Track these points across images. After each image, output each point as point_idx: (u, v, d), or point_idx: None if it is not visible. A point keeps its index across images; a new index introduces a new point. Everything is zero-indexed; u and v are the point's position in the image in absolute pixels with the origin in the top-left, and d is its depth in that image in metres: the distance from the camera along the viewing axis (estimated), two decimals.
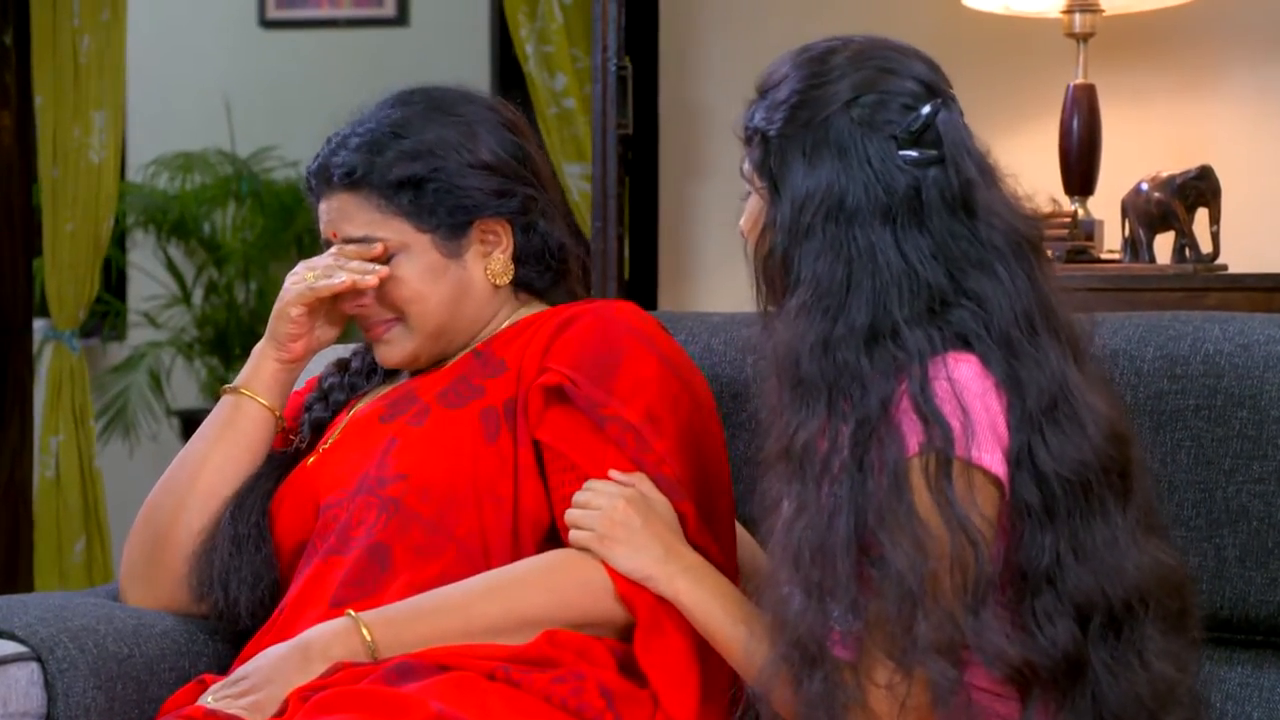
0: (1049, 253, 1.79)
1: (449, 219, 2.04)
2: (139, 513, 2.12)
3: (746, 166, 1.80)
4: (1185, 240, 2.94)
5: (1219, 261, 2.97)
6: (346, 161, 2.04)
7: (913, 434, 1.65)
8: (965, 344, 1.69)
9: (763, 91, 1.79)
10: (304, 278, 2.06)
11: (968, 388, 1.67)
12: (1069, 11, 3.08)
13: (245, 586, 2.02)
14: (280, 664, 1.86)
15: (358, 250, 2.04)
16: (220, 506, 2.06)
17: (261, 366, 2.09)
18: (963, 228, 1.72)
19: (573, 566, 1.89)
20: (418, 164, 2.03)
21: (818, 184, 1.72)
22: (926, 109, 1.74)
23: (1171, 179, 2.93)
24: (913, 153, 1.73)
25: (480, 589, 1.90)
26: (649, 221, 3.75)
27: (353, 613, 1.88)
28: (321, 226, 2.08)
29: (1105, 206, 3.08)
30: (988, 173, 1.76)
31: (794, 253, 1.72)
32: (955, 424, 1.65)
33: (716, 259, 3.71)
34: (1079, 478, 1.69)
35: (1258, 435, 1.98)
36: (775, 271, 1.75)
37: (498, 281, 2.07)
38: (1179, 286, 2.89)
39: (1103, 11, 3.09)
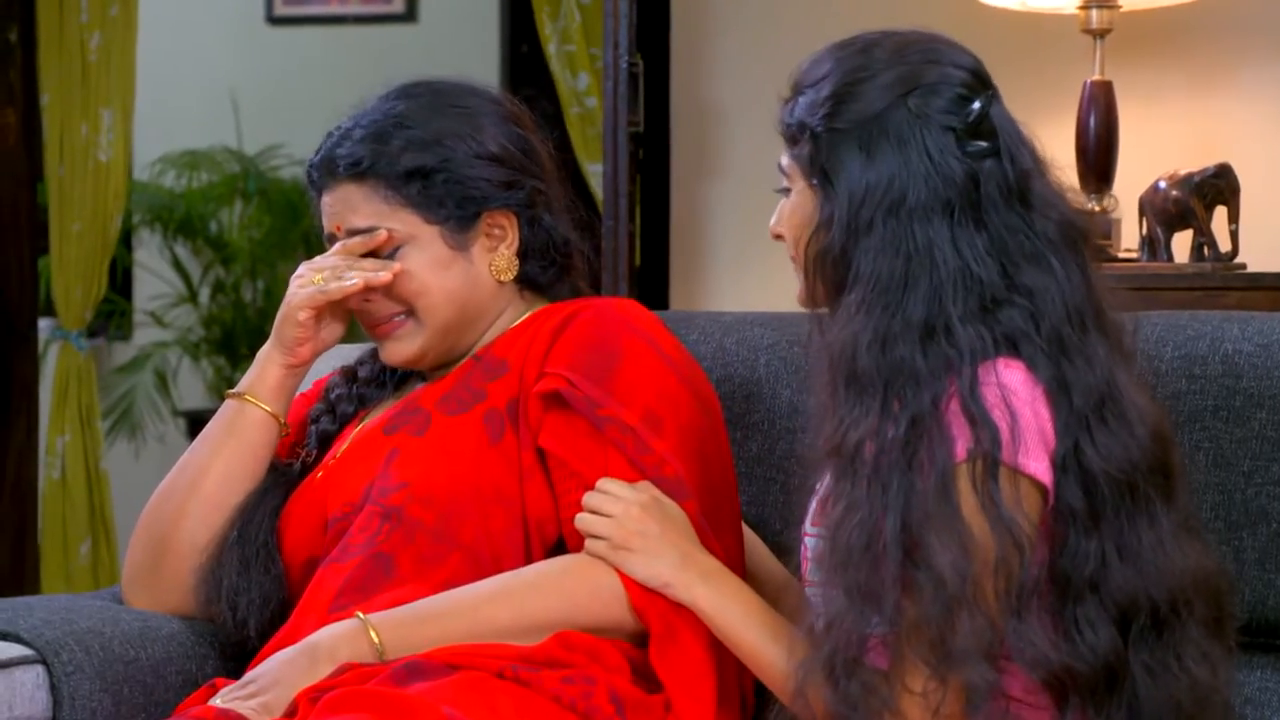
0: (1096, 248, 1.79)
1: (458, 210, 2.02)
2: (140, 517, 2.10)
3: (786, 161, 1.79)
4: (1204, 239, 2.93)
5: (1238, 260, 2.96)
6: (352, 152, 2.01)
7: (961, 438, 1.65)
8: (1013, 346, 1.69)
9: (803, 87, 1.78)
10: (311, 279, 2.02)
11: (1016, 393, 1.66)
12: (1086, 7, 3.06)
13: (254, 607, 2.00)
14: (287, 666, 1.85)
15: (363, 242, 2.01)
16: (224, 518, 2.04)
17: (267, 372, 2.06)
18: (1019, 219, 1.72)
19: (585, 572, 1.87)
20: (426, 154, 2.01)
21: (878, 178, 1.71)
22: (981, 100, 1.73)
23: (1189, 177, 2.92)
24: (971, 145, 1.72)
25: (489, 593, 1.88)
26: (661, 220, 3.74)
27: (361, 614, 1.87)
28: (325, 220, 2.05)
29: (1122, 204, 3.07)
30: (1041, 163, 1.76)
31: (853, 249, 1.71)
32: (1003, 428, 1.64)
33: (728, 258, 3.70)
34: (1126, 477, 1.68)
35: (1277, 436, 1.97)
36: (830, 269, 1.74)
37: (501, 278, 2.05)
38: (1197, 285, 2.88)
39: (1120, 7, 3.08)
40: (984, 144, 1.72)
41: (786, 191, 1.80)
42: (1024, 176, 1.73)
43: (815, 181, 1.74)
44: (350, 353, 2.23)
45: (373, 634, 1.85)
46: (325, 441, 2.10)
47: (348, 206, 2.02)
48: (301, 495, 2.05)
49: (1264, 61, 3.27)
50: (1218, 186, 2.93)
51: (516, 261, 2.05)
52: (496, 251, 2.04)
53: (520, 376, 1.98)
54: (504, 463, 1.95)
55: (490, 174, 2.03)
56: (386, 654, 1.84)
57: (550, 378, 1.94)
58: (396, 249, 2.01)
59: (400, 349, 2.04)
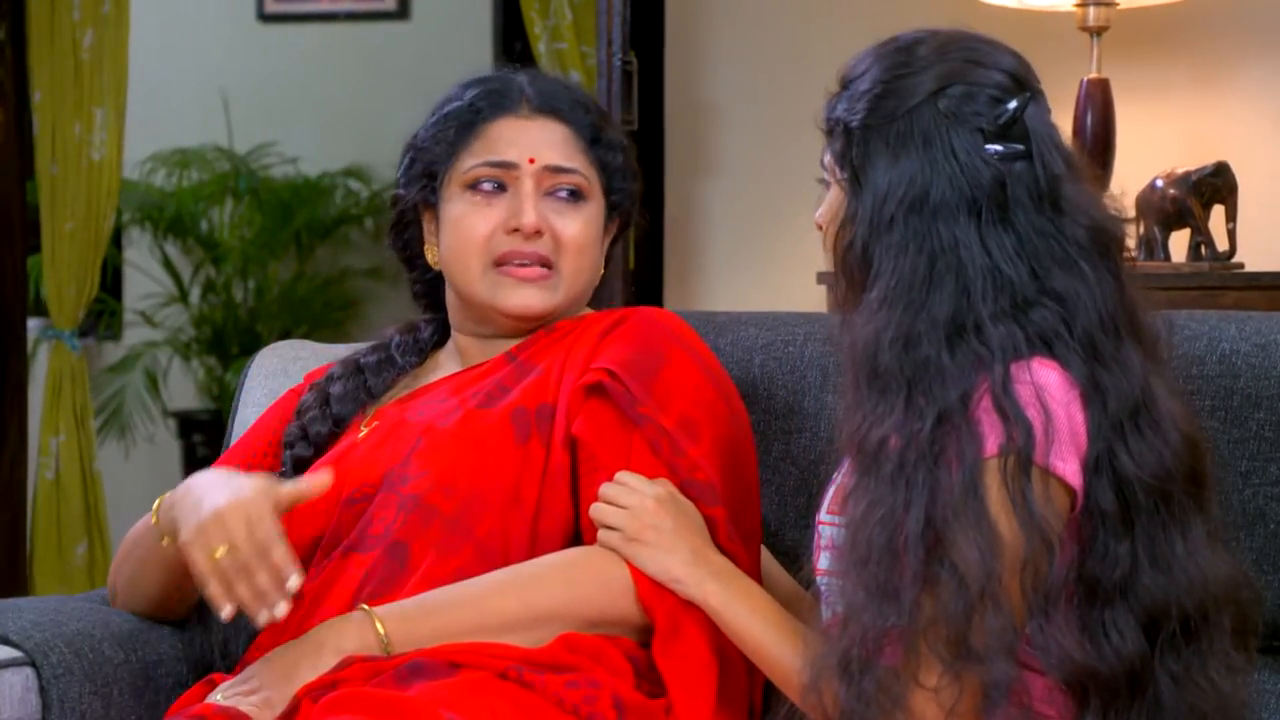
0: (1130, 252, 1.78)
1: (617, 200, 2.08)
2: (125, 540, 2.07)
3: (827, 158, 1.79)
4: (1201, 238, 2.94)
5: (1235, 259, 2.96)
6: (561, 97, 2.05)
7: (992, 434, 1.64)
8: (1046, 346, 1.68)
9: (845, 83, 1.77)
10: (215, 546, 1.80)
11: (1051, 393, 1.65)
12: (1083, 5, 3.06)
13: (244, 649, 1.99)
14: (290, 660, 1.84)
15: (278, 563, 1.80)
16: None
17: (176, 531, 1.90)
18: (1049, 224, 1.70)
19: (593, 563, 1.86)
20: (619, 137, 2.08)
21: (901, 176, 1.70)
22: (1014, 102, 1.72)
23: (1187, 175, 2.92)
24: (999, 146, 1.71)
25: (496, 584, 1.87)
26: (655, 218, 3.74)
27: (365, 606, 1.86)
28: (503, 145, 2.03)
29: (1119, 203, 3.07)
30: (1075, 168, 1.74)
31: (875, 246, 1.71)
32: (1037, 428, 1.63)
33: (722, 256, 3.70)
34: (1161, 484, 1.67)
35: (1275, 437, 1.96)
36: (855, 265, 1.73)
37: (596, 279, 2.09)
38: (1195, 285, 2.88)
39: (1117, 5, 3.08)
40: (1013, 146, 1.71)
41: (826, 185, 1.80)
42: (1055, 181, 1.71)
43: (845, 176, 1.74)
44: (341, 354, 2.21)
45: (378, 626, 1.84)
46: (300, 466, 2.07)
47: (547, 142, 2.03)
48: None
49: (1261, 60, 3.27)
50: (1215, 185, 2.93)
51: (603, 267, 2.10)
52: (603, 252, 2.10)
53: (559, 380, 1.98)
54: (526, 464, 1.94)
55: (636, 185, 2.10)
56: (393, 647, 1.83)
57: (594, 371, 1.95)
58: (581, 198, 2.03)
59: (533, 297, 2.02)
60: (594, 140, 2.05)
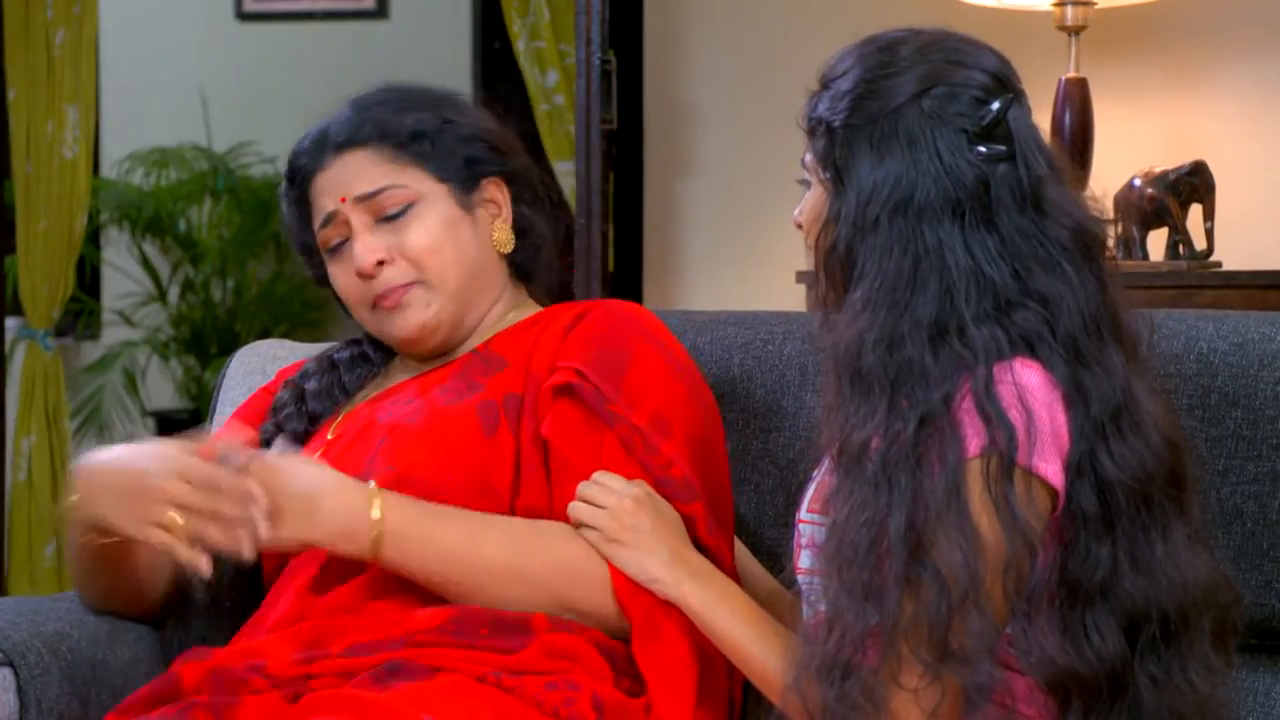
0: (1112, 253, 1.78)
1: (464, 170, 2.03)
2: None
3: (808, 158, 1.78)
4: (1179, 237, 2.94)
5: (1213, 258, 2.97)
6: (351, 124, 2.02)
7: (974, 435, 1.64)
8: (1029, 347, 1.68)
9: (826, 82, 1.77)
10: (175, 516, 1.80)
11: (1034, 394, 1.65)
12: (1061, 4, 3.07)
13: (225, 639, 1.97)
14: (288, 504, 1.81)
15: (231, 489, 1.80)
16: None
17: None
18: (1031, 225, 1.71)
19: (583, 546, 1.86)
20: (429, 116, 2.03)
21: (885, 177, 1.70)
22: (998, 103, 1.72)
23: (1165, 174, 2.93)
24: (983, 147, 1.71)
25: (493, 520, 1.87)
26: (634, 218, 3.73)
27: (374, 485, 1.84)
28: (322, 201, 2.03)
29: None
30: (1057, 170, 1.74)
31: (858, 246, 1.71)
32: (1019, 428, 1.63)
33: (702, 255, 3.69)
34: (1141, 487, 1.67)
35: (1252, 435, 1.96)
36: (838, 265, 1.73)
37: (502, 249, 2.06)
38: (1172, 284, 2.88)
39: (1095, 4, 3.08)
40: (997, 147, 1.71)
41: (807, 184, 1.80)
42: (1038, 182, 1.71)
43: (828, 176, 1.74)
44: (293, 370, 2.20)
45: (375, 509, 1.82)
46: None
47: (351, 175, 2.01)
48: None
49: (1239, 59, 3.27)
50: (1193, 184, 2.94)
51: (513, 235, 2.07)
52: (494, 224, 2.06)
53: (526, 374, 1.97)
54: (495, 457, 1.94)
55: (487, 140, 2.06)
56: (380, 540, 1.81)
57: (562, 371, 1.94)
58: (408, 207, 2.01)
59: (411, 318, 2.01)
60: (406, 140, 2.02)
